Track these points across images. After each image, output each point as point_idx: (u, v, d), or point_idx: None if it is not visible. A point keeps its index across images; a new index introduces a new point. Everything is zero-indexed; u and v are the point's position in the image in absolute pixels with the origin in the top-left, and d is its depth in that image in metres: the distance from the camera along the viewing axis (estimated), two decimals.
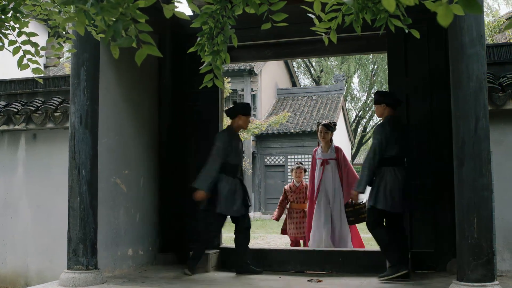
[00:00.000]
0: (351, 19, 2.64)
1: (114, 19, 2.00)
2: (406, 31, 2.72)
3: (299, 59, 33.07)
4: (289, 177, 24.73)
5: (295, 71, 32.16)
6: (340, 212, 7.24)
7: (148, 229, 6.94)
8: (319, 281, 5.85)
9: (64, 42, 3.83)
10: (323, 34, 2.88)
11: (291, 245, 8.27)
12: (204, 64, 2.72)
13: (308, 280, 5.87)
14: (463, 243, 4.56)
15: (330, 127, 7.73)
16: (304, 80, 36.71)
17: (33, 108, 7.24)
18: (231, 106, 6.47)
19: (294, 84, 31.43)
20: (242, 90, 25.73)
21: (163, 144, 7.23)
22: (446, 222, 6.25)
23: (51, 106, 7.15)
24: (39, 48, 3.59)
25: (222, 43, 2.62)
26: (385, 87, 32.28)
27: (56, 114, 7.12)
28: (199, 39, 2.64)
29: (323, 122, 7.90)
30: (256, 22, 7.12)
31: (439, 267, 6.21)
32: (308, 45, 8.09)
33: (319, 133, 7.82)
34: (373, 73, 33.16)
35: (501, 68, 6.16)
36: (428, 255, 6.26)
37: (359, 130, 34.81)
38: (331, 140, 7.88)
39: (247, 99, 25.45)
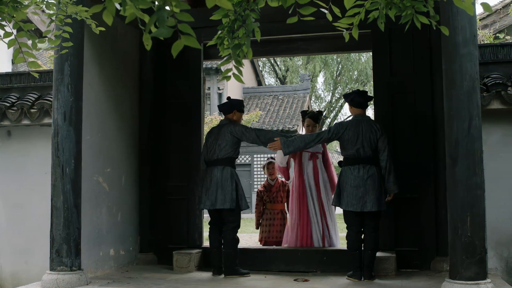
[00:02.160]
0: (375, 15, 2.58)
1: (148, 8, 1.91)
2: (434, 27, 2.67)
3: (264, 58, 33.08)
4: (255, 176, 24.73)
5: (261, 70, 32.17)
6: (330, 208, 7.08)
7: (129, 229, 6.80)
8: (305, 280, 5.82)
9: (61, 35, 3.69)
10: (344, 30, 2.82)
11: None
12: (225, 58, 2.63)
13: (294, 280, 5.83)
14: (457, 241, 4.59)
15: (318, 120, 7.27)
16: (269, 79, 36.75)
17: (8, 104, 7.01)
18: (226, 101, 6.41)
19: (259, 83, 31.43)
20: (209, 88, 25.59)
21: (144, 141, 7.10)
22: (430, 221, 6.31)
23: (27, 102, 6.93)
24: (36, 41, 3.44)
25: (244, 37, 2.54)
26: (349, 87, 32.59)
27: (32, 110, 6.91)
28: (219, 32, 2.56)
29: (308, 112, 7.42)
30: None
31: (423, 265, 6.25)
32: (289, 43, 8.05)
33: (305, 127, 7.24)
34: (338, 73, 33.40)
35: (485, 68, 6.23)
36: (412, 253, 6.29)
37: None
38: None
39: (214, 98, 25.32)
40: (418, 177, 6.35)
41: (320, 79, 34.63)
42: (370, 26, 6.40)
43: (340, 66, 33.22)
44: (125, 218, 6.69)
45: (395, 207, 6.16)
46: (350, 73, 32.58)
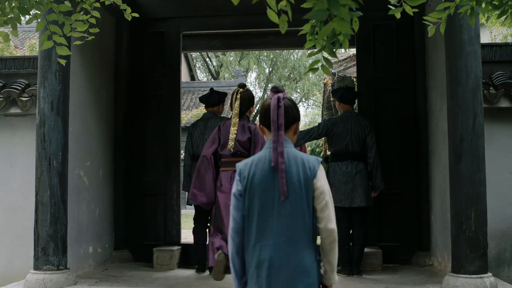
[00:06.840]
0: (465, 10, 2.52)
1: None
2: None
3: (198, 53, 32.72)
4: None
5: (195, 65, 31.79)
6: None
7: (106, 225, 6.48)
8: None
9: (88, 21, 3.44)
10: (430, 24, 2.74)
11: None
12: (318, 48, 2.49)
13: None
14: (461, 236, 4.64)
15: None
16: (200, 75, 36.35)
17: None
18: (213, 94, 6.22)
19: (192, 78, 31.02)
20: None
21: (120, 134, 6.77)
22: (412, 216, 6.41)
23: None
24: (71, 24, 3.18)
25: None
26: (282, 84, 32.78)
27: None
28: (313, 20, 2.42)
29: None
30: (209, 11, 6.87)
31: (405, 260, 6.33)
32: (260, 37, 7.98)
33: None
34: (270, 70, 33.50)
35: None
36: (395, 248, 6.36)
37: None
38: None
39: None
40: (401, 173, 6.43)
41: (254, 74, 34.64)
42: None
43: (272, 63, 33.30)
44: (103, 214, 6.38)
45: (378, 203, 6.20)
46: (281, 70, 32.71)
